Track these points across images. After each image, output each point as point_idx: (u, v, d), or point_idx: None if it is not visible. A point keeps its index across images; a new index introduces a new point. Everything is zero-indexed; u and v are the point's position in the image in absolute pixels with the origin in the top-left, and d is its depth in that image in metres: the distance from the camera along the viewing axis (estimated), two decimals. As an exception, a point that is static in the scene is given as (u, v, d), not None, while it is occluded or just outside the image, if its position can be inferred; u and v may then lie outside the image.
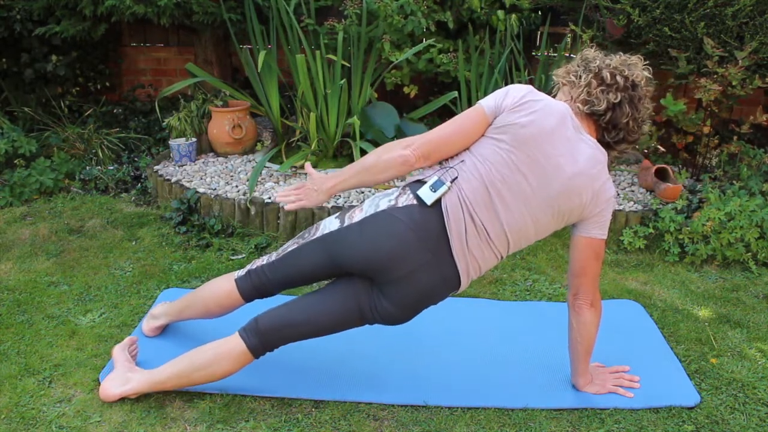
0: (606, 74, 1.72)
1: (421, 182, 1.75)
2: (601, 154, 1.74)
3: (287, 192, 1.87)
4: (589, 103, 1.74)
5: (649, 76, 1.78)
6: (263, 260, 1.92)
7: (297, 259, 1.84)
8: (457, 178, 1.71)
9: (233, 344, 1.81)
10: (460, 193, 1.70)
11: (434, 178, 1.72)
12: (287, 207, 1.86)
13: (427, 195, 1.70)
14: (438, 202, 1.71)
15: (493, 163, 1.69)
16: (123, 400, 1.89)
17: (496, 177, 1.69)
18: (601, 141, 1.78)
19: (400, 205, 1.72)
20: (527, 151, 1.68)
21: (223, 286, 1.97)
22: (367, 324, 1.81)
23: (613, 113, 1.73)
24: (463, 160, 1.73)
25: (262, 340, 1.80)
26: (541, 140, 1.68)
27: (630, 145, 1.82)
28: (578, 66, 1.79)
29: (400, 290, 1.71)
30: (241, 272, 1.95)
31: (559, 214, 1.74)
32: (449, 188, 1.70)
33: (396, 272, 1.69)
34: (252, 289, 1.92)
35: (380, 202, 1.75)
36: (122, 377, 1.89)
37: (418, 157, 1.72)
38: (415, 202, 1.72)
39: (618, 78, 1.71)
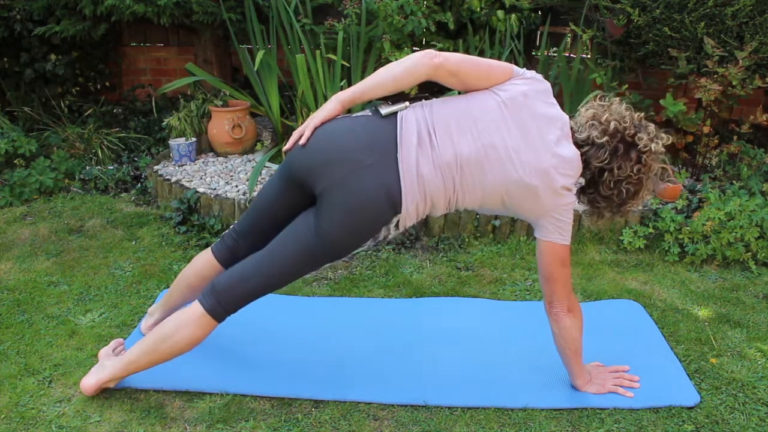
0: (603, 115, 1.74)
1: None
2: (578, 163, 1.74)
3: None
4: (576, 131, 1.78)
5: (656, 149, 1.73)
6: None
7: (260, 197, 1.90)
8: (427, 104, 1.74)
9: (192, 309, 1.82)
10: (426, 114, 1.72)
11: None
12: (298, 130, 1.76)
13: (384, 107, 1.73)
14: (394, 115, 1.73)
15: (479, 104, 1.71)
16: (123, 399, 1.89)
17: (477, 114, 1.70)
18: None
19: (353, 116, 1.76)
20: (517, 115, 1.70)
21: (201, 258, 2.04)
22: (317, 267, 1.78)
23: (590, 150, 1.73)
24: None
25: (219, 299, 1.79)
26: (533, 113, 1.70)
27: (603, 201, 1.78)
28: (593, 105, 1.80)
29: (339, 196, 1.66)
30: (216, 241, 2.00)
31: (508, 194, 1.72)
32: (407, 107, 1.73)
33: (337, 170, 1.66)
34: (226, 251, 1.97)
35: None
36: (99, 367, 1.93)
37: (441, 58, 1.70)
38: (369, 113, 1.75)
39: (613, 125, 1.71)
